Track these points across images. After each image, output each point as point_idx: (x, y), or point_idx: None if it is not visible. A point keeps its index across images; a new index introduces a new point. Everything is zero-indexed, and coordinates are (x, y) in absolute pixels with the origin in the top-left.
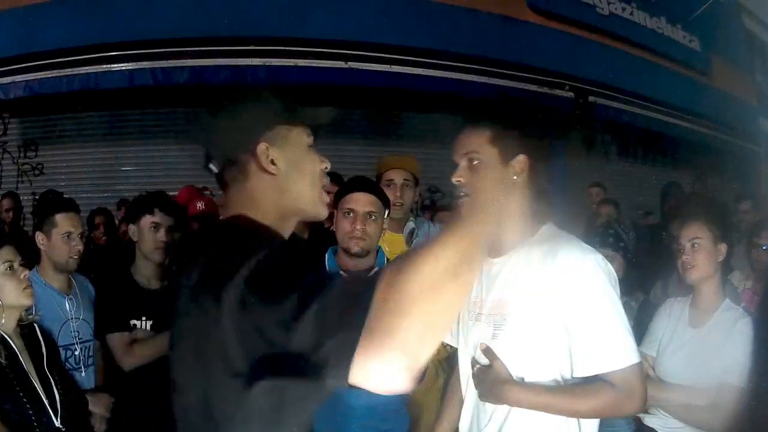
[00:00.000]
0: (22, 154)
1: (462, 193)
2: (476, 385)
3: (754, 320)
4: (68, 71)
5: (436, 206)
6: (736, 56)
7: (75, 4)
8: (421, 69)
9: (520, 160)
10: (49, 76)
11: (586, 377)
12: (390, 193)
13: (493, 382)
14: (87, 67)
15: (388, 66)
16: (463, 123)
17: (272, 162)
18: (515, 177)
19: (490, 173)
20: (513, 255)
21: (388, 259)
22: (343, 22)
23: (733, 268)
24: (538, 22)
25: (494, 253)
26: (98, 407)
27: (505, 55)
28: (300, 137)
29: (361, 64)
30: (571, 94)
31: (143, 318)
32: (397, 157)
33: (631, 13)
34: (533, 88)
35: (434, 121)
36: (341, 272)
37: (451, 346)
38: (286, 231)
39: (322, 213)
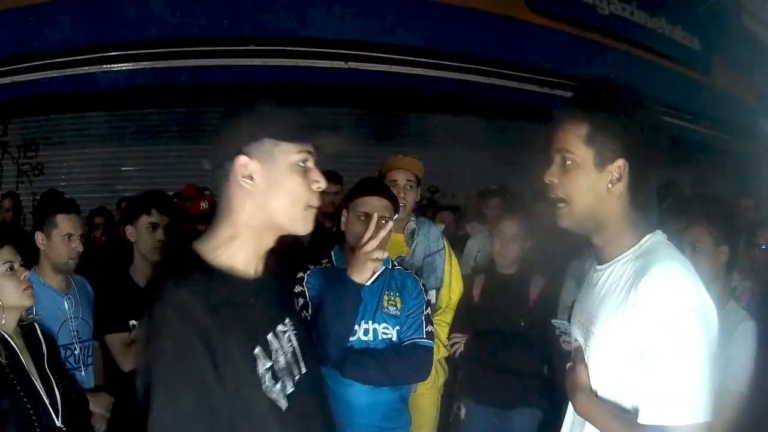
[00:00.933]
0: (22, 154)
1: (554, 196)
2: (565, 384)
3: (755, 322)
4: (68, 71)
5: (436, 206)
6: (736, 56)
7: (75, 4)
8: (421, 69)
9: (619, 165)
10: (49, 76)
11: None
12: None
13: (571, 385)
14: (87, 67)
15: (388, 66)
16: (559, 111)
17: (250, 176)
18: (610, 185)
19: (584, 179)
20: (608, 266)
21: (390, 260)
22: (343, 22)
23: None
24: (538, 22)
25: (601, 258)
26: (98, 407)
27: (505, 55)
28: (286, 155)
29: (361, 64)
30: (571, 94)
31: None
32: (401, 158)
33: (631, 13)
34: (533, 88)
35: (434, 121)
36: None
37: (451, 346)
38: (266, 241)
39: (303, 230)
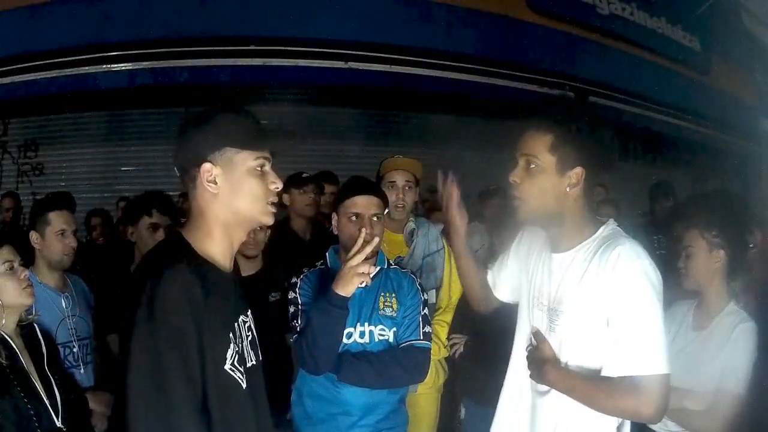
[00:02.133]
0: (22, 154)
1: (514, 195)
2: (528, 365)
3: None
4: (68, 71)
5: (435, 206)
6: (736, 56)
7: (75, 4)
8: (421, 69)
9: (577, 172)
10: (49, 76)
11: (617, 377)
12: (392, 195)
13: (538, 361)
14: (87, 67)
15: (388, 66)
16: (526, 120)
17: (214, 181)
18: (568, 189)
19: (545, 181)
20: (570, 253)
21: (387, 260)
22: (343, 22)
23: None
24: (538, 22)
25: (556, 248)
26: (99, 405)
27: (505, 55)
28: (245, 161)
29: (361, 64)
30: (571, 94)
31: None
32: (400, 158)
33: (631, 13)
34: (533, 88)
35: (434, 121)
36: None
37: (450, 347)
38: (237, 236)
39: (267, 222)
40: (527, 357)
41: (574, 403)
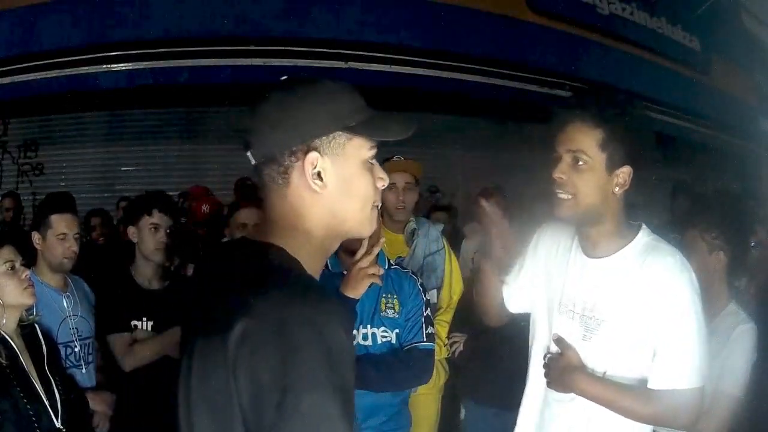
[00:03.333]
0: (22, 154)
1: (561, 192)
2: (546, 373)
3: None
4: (68, 71)
5: (435, 206)
6: (736, 56)
7: (75, 4)
8: (421, 69)
9: (625, 171)
10: (49, 76)
11: (657, 389)
12: (393, 196)
13: (564, 369)
14: (87, 67)
15: (388, 66)
16: (569, 114)
17: (319, 175)
18: (617, 189)
19: (594, 179)
20: (611, 260)
21: (388, 260)
22: (343, 22)
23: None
24: (538, 22)
25: (591, 252)
26: (101, 405)
27: (505, 55)
28: (359, 151)
29: (361, 64)
30: (571, 94)
31: (144, 318)
32: (399, 160)
33: (631, 13)
34: (533, 88)
35: (434, 121)
36: (345, 272)
37: (450, 347)
38: (331, 249)
39: (369, 232)
40: (547, 365)
41: (603, 411)
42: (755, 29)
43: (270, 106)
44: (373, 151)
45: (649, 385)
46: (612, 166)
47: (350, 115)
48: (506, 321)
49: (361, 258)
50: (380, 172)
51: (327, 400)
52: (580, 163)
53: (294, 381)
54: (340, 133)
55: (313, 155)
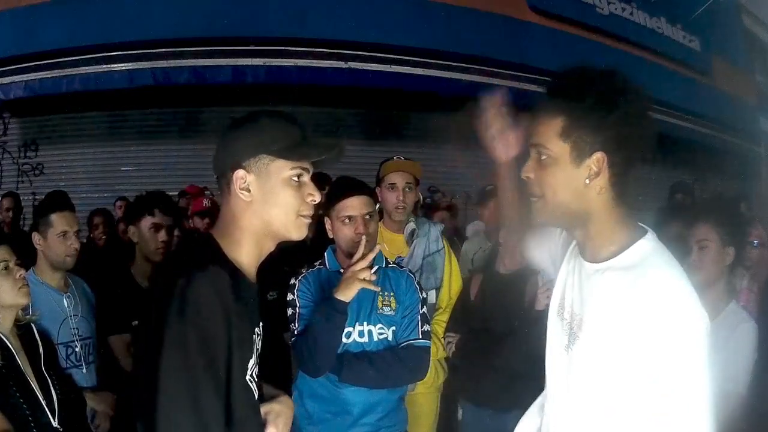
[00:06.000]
0: (22, 154)
1: (530, 192)
2: None
3: (756, 323)
4: (68, 71)
5: (435, 206)
6: (736, 56)
7: (75, 4)
8: (421, 69)
9: (597, 159)
10: (49, 76)
11: None
12: (392, 196)
13: None
14: (87, 67)
15: (388, 66)
16: (537, 100)
17: (247, 188)
18: (587, 181)
19: (559, 175)
20: (606, 267)
21: (385, 258)
22: (343, 22)
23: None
24: (538, 22)
25: (586, 255)
26: (101, 405)
27: (505, 55)
28: (281, 170)
29: (361, 64)
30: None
31: None
32: (400, 160)
33: (631, 13)
34: (533, 88)
35: (434, 121)
36: (342, 270)
37: (449, 346)
38: (267, 246)
39: (297, 237)
40: None
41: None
42: (755, 29)
43: (224, 133)
44: (295, 171)
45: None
46: (579, 157)
47: (274, 142)
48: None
49: (355, 262)
50: (310, 189)
51: (193, 375)
52: (543, 157)
53: (166, 349)
54: (265, 155)
55: (240, 172)
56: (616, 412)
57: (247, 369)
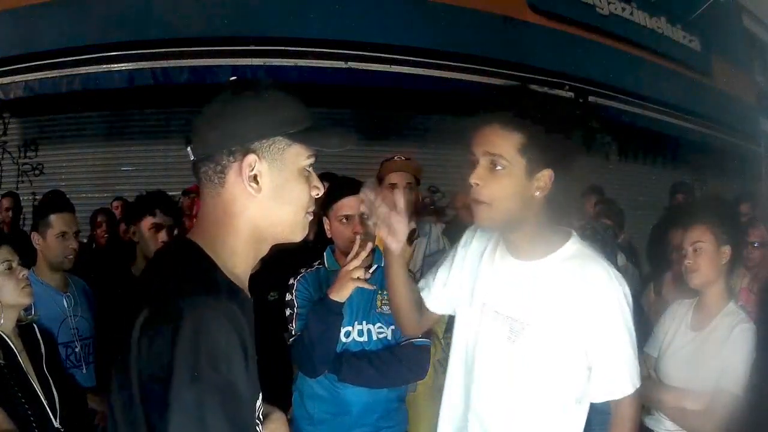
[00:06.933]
0: (22, 154)
1: (478, 198)
2: None
3: (754, 323)
4: (68, 71)
5: (435, 206)
6: (736, 56)
7: (75, 4)
8: (421, 69)
9: (546, 174)
10: (49, 76)
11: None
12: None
13: None
14: (87, 67)
15: (388, 66)
16: (487, 112)
17: (255, 179)
18: (538, 193)
19: (512, 185)
20: (539, 264)
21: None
22: (343, 22)
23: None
24: (538, 22)
25: (517, 254)
26: (101, 405)
27: (505, 55)
28: (297, 158)
29: (361, 64)
30: (571, 94)
31: None
32: (400, 160)
33: (631, 13)
34: (533, 88)
35: (434, 121)
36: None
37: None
38: (263, 251)
39: (300, 238)
40: None
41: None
42: (755, 29)
43: (214, 106)
44: (311, 160)
45: (595, 399)
46: (532, 171)
47: (292, 122)
48: (426, 328)
49: (348, 262)
50: (316, 181)
51: (203, 397)
52: (498, 167)
53: (173, 376)
54: (281, 138)
55: (251, 157)
56: (559, 396)
57: (256, 410)
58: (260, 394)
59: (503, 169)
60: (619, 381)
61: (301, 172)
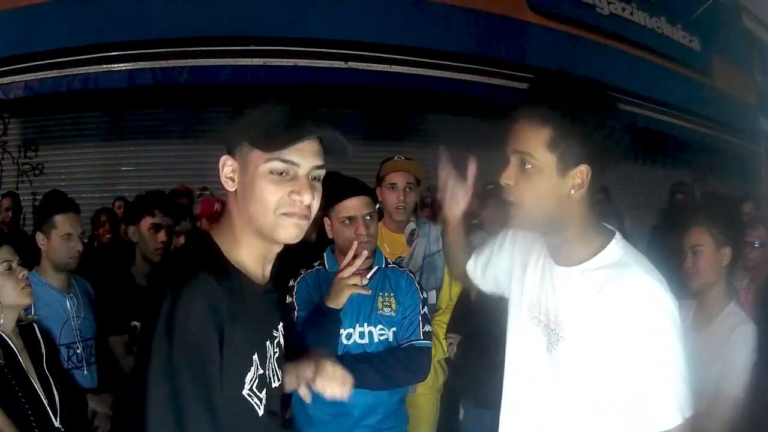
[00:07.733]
0: (22, 154)
1: (510, 198)
2: None
3: (753, 324)
4: (68, 71)
5: (435, 206)
6: (736, 56)
7: (75, 4)
8: (421, 69)
9: (582, 171)
10: (49, 76)
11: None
12: (393, 196)
13: None
14: (87, 67)
15: (388, 66)
16: (520, 107)
17: (231, 177)
18: (572, 192)
19: (544, 184)
20: (579, 270)
21: (386, 259)
22: (343, 22)
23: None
24: (538, 22)
25: (559, 259)
26: (101, 406)
27: (505, 55)
28: (257, 162)
29: (361, 64)
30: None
31: None
32: (401, 160)
33: (631, 13)
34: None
35: (434, 121)
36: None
37: (450, 347)
38: (264, 245)
39: (284, 238)
40: None
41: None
42: (755, 29)
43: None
44: (271, 164)
45: (633, 429)
46: (565, 168)
47: (253, 129)
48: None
49: (343, 268)
50: (296, 187)
51: (173, 347)
52: (527, 166)
53: (157, 326)
54: (246, 143)
55: (223, 157)
56: (601, 408)
57: (245, 383)
58: (251, 370)
59: (533, 167)
60: (663, 409)
61: (263, 174)
